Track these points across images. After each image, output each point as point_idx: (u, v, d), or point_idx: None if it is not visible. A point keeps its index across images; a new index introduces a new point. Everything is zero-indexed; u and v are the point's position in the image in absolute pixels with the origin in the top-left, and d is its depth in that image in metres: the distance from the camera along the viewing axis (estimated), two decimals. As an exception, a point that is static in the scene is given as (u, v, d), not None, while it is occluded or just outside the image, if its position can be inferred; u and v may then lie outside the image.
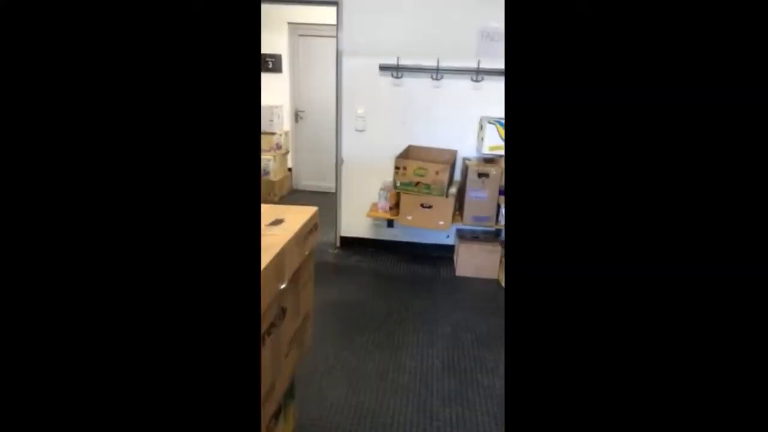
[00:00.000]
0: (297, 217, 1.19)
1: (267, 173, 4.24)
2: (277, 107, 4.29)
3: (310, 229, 1.23)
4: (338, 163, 3.13)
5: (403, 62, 2.81)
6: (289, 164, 4.68)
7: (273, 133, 4.35)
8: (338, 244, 3.27)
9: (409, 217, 2.65)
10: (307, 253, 1.24)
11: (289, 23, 4.25)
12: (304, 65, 4.39)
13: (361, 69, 2.89)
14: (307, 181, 4.74)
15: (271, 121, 4.29)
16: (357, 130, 3.04)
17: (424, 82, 2.87)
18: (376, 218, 2.91)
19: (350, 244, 3.25)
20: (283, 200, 4.37)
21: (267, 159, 4.21)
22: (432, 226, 2.72)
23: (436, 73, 2.82)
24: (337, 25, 2.84)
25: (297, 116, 4.54)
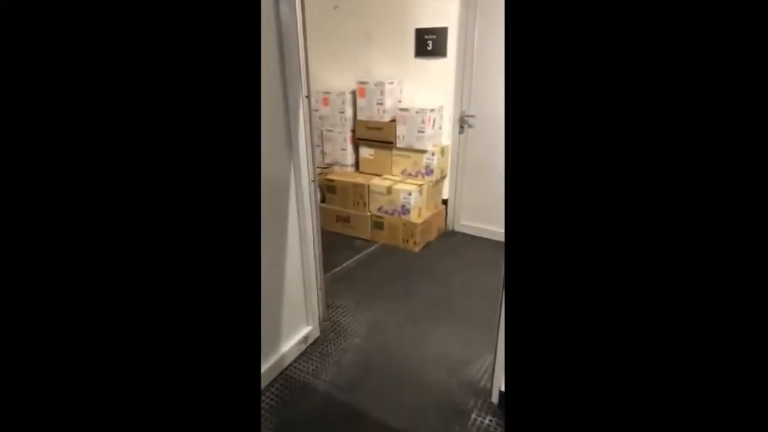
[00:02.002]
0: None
1: (406, 212, 2.81)
2: (432, 111, 2.80)
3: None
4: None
5: None
6: (445, 194, 3.15)
7: (422, 151, 2.87)
8: (493, 398, 1.61)
9: None
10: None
11: (462, -25, 2.68)
12: (481, 45, 2.75)
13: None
14: (469, 221, 3.14)
15: (421, 132, 2.82)
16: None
17: None
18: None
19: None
20: (428, 248, 2.89)
21: (407, 191, 2.78)
22: None
23: None
24: None
25: (463, 124, 2.96)
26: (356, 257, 2.76)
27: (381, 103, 2.91)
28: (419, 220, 2.82)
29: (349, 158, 3.19)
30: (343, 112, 3.08)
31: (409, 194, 2.76)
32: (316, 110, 3.18)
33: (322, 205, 3.15)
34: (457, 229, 3.20)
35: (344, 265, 2.65)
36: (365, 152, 3.12)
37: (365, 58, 3.15)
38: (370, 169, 3.13)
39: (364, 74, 3.17)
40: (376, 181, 2.92)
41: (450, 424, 1.51)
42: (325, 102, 3.12)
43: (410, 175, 2.98)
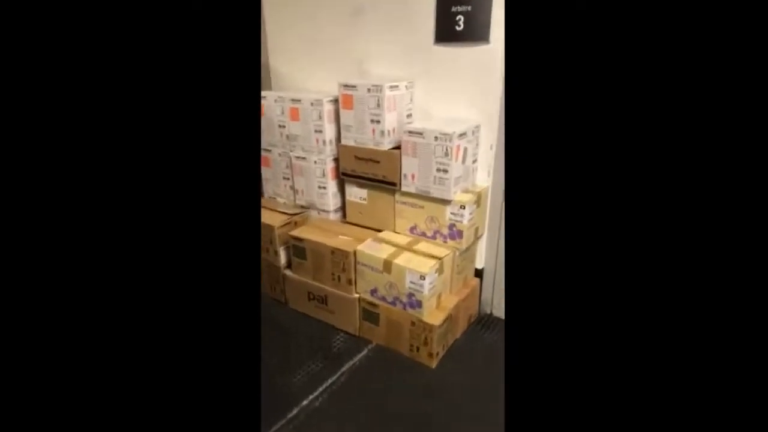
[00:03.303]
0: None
1: (415, 305, 1.68)
2: (462, 135, 1.64)
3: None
4: None
5: None
6: (480, 262, 2.00)
7: (444, 202, 1.73)
8: None
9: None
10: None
11: None
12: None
13: None
14: (516, 305, 1.98)
15: (443, 171, 1.66)
16: None
17: None
18: None
19: None
20: (452, 357, 1.75)
21: (418, 274, 1.63)
22: None
23: None
24: None
25: (513, 154, 1.79)
26: (329, 381, 1.64)
27: (377, 120, 1.77)
28: (438, 320, 1.68)
29: (331, 201, 2.07)
30: (320, 131, 1.96)
31: (422, 278, 1.62)
32: (283, 126, 2.07)
33: (287, 272, 2.04)
34: (496, 313, 2.05)
35: (306, 402, 1.54)
36: (354, 194, 1.99)
37: (355, 46, 2.02)
38: (362, 219, 2.00)
39: (354, 72, 2.03)
40: (366, 248, 1.78)
41: None
42: (294, 115, 2.00)
43: (423, 234, 1.84)
